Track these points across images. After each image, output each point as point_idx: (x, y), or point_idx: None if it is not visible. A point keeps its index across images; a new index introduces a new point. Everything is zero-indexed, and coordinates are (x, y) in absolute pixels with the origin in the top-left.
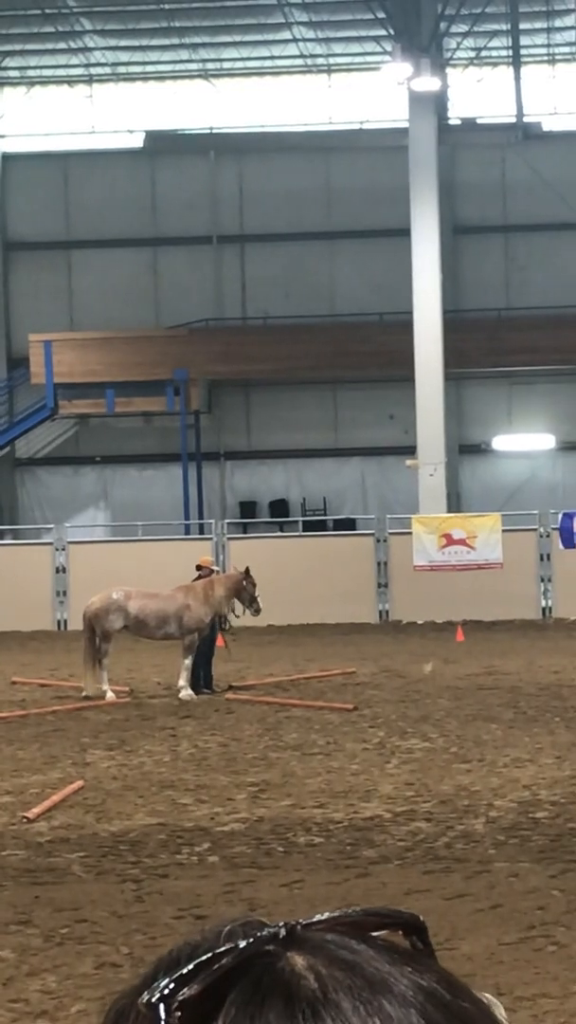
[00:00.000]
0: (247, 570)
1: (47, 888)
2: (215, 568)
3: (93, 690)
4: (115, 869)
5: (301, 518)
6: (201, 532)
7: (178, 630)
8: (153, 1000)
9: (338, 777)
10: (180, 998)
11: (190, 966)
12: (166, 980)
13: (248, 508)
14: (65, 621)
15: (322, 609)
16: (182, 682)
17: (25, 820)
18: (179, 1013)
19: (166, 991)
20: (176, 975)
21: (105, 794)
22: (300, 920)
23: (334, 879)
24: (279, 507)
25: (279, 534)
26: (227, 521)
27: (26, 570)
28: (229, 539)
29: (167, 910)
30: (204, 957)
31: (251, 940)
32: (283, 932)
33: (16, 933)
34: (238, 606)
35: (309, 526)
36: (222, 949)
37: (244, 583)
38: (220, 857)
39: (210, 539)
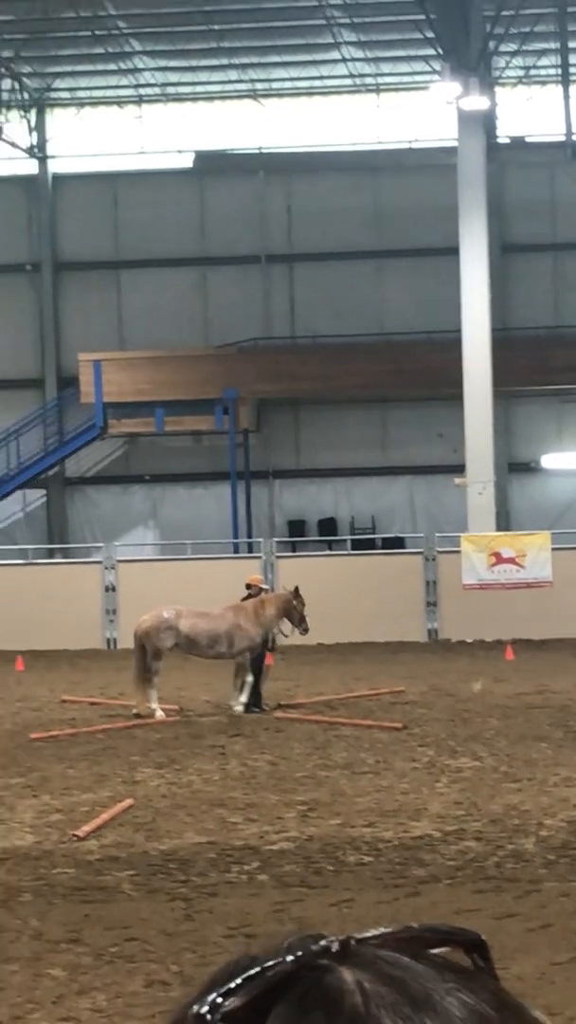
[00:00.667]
0: (296, 589)
1: (97, 906)
2: (264, 587)
3: (143, 708)
4: (164, 887)
5: (350, 537)
6: (250, 551)
7: (229, 649)
8: (200, 1012)
9: (387, 796)
10: (225, 1010)
11: (238, 979)
12: (214, 993)
13: (297, 527)
14: (114, 640)
15: (371, 628)
16: (244, 698)
17: (75, 838)
18: None
19: (214, 1003)
20: (224, 988)
21: (154, 812)
22: (355, 935)
23: (384, 898)
24: (328, 526)
25: (328, 553)
26: (276, 540)
27: (76, 589)
28: (278, 558)
29: (217, 929)
30: (253, 971)
31: (300, 954)
32: (336, 946)
33: (66, 951)
34: (286, 625)
35: (358, 545)
36: (271, 963)
37: (294, 603)
38: (269, 876)
39: (259, 558)
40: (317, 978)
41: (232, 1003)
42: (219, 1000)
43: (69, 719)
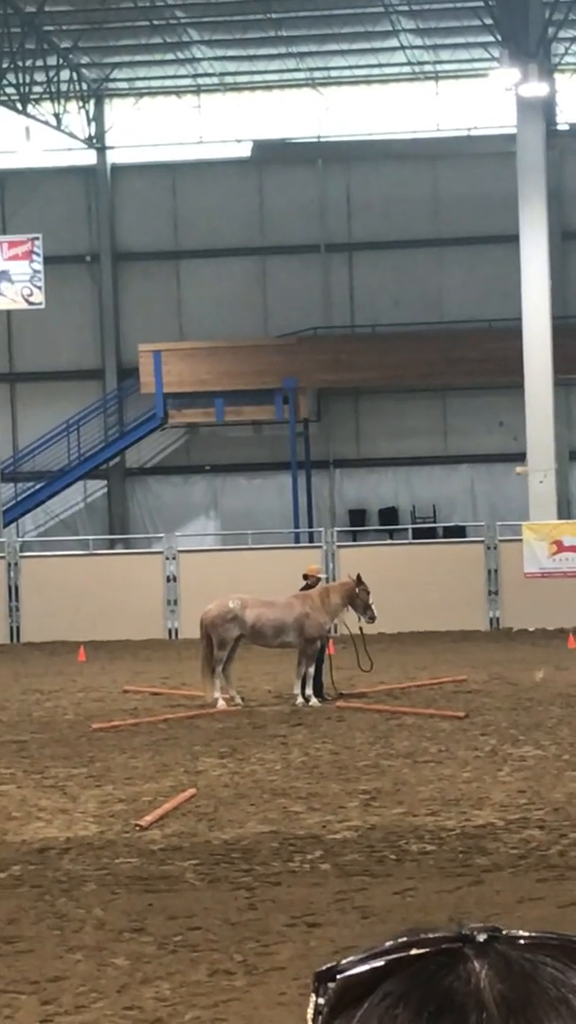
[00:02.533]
0: (359, 577)
1: (160, 896)
2: (321, 576)
3: (208, 698)
4: (228, 877)
5: (411, 526)
6: (311, 540)
7: (297, 639)
8: (323, 969)
9: (450, 785)
10: (347, 973)
11: (368, 949)
12: (350, 958)
13: (357, 516)
14: (176, 630)
15: (432, 617)
16: (309, 691)
17: (138, 828)
18: (330, 994)
19: (340, 966)
20: (353, 957)
21: (217, 802)
22: (507, 931)
23: (446, 887)
24: (388, 515)
25: (389, 542)
26: (336, 529)
27: (137, 579)
28: (339, 547)
29: (280, 918)
30: (385, 945)
31: (432, 936)
32: (483, 937)
33: (130, 941)
34: (352, 617)
35: (419, 534)
36: (403, 940)
37: (357, 590)
38: (332, 865)
39: (320, 547)
40: (440, 962)
41: (358, 969)
42: (346, 963)
43: (131, 709)
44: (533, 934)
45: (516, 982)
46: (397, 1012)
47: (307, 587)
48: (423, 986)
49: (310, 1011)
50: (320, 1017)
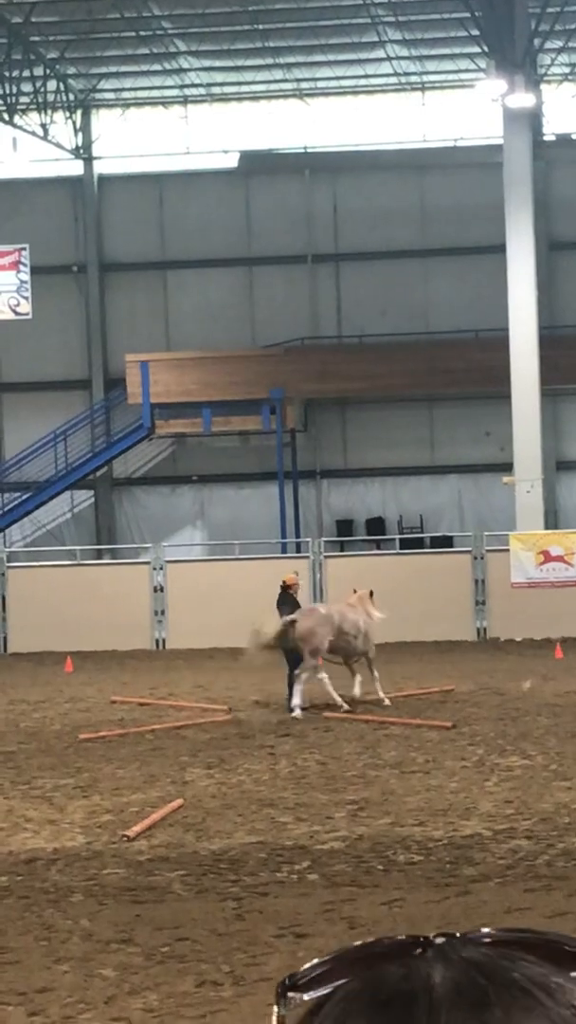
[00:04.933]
0: (371, 593)
1: (148, 907)
2: (299, 584)
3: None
4: (215, 887)
5: (398, 536)
6: (298, 551)
7: (364, 644)
8: (280, 982)
9: (437, 795)
10: (306, 978)
11: (329, 955)
12: (306, 966)
13: (345, 526)
14: (163, 640)
15: (419, 627)
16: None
17: (125, 839)
18: (295, 994)
19: (297, 973)
20: (316, 961)
21: (205, 812)
22: (465, 932)
23: (434, 897)
24: (376, 525)
25: (376, 552)
26: (324, 539)
27: (124, 589)
28: (326, 557)
29: (267, 928)
30: (345, 951)
31: (391, 940)
32: (440, 939)
33: (117, 951)
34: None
35: (406, 544)
36: (361, 945)
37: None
38: (320, 875)
39: (307, 557)
40: (397, 962)
41: (320, 991)
42: (305, 971)
43: (118, 719)
44: (494, 931)
45: (468, 971)
46: (350, 1007)
47: (283, 597)
48: (375, 982)
49: (274, 1021)
50: None
